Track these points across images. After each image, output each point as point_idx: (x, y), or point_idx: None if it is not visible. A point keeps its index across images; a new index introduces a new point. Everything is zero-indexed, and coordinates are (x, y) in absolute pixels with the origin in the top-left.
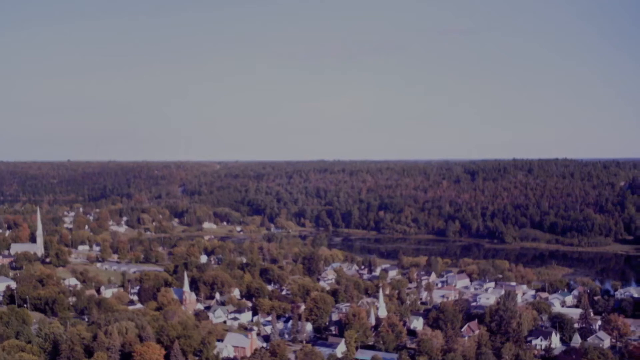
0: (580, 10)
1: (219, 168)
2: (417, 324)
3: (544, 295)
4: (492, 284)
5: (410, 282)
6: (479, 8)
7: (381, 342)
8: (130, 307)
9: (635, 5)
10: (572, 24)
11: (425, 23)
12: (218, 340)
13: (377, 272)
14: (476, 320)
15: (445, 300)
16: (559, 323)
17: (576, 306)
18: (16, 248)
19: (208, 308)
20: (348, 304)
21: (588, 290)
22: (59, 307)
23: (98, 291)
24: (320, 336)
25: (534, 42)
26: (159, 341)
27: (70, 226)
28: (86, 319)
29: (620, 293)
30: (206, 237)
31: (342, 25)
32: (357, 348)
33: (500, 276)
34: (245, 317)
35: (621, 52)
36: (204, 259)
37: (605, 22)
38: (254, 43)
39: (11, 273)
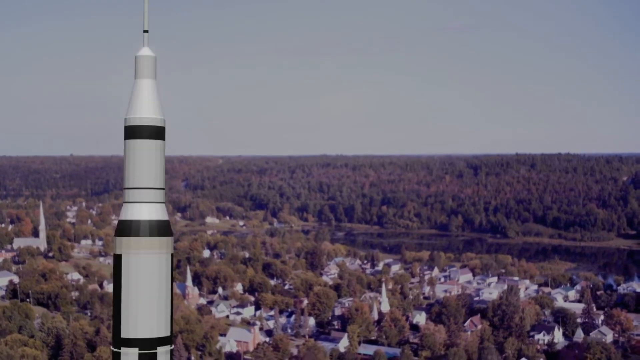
0: (581, 5)
1: (222, 163)
2: (420, 318)
3: (546, 290)
4: (495, 279)
5: (413, 276)
6: (479, 5)
7: (384, 336)
8: None
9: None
10: (572, 19)
11: (425, 20)
12: (221, 335)
13: (380, 266)
14: (479, 315)
15: (448, 294)
16: (562, 318)
17: (579, 301)
18: (19, 242)
19: (211, 303)
20: (351, 299)
21: (591, 285)
22: (62, 302)
23: (101, 286)
24: (322, 331)
25: (534, 38)
26: None
27: (73, 220)
28: (89, 314)
29: (623, 288)
30: (209, 232)
31: (342, 22)
32: (359, 343)
33: (503, 271)
34: (248, 311)
35: (624, 47)
36: (206, 253)
37: (607, 16)
38: (253, 39)
39: (14, 267)
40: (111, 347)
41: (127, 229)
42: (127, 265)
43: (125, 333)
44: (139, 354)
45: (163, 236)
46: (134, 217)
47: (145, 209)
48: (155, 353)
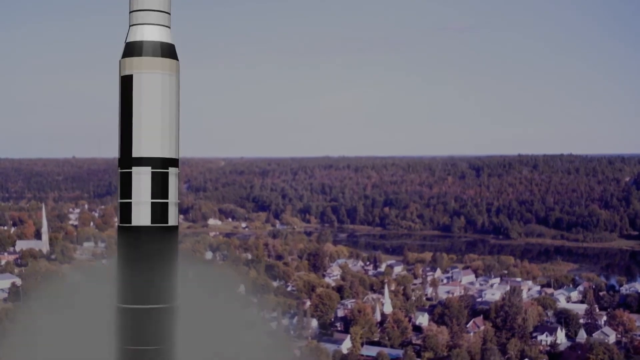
0: (581, 5)
1: (224, 164)
2: (423, 319)
3: (549, 290)
4: (498, 280)
5: (416, 278)
6: (479, 5)
7: (387, 338)
8: None
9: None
10: (572, 19)
11: (425, 20)
12: None
13: (383, 268)
14: (481, 316)
15: (450, 296)
16: (565, 319)
17: (581, 302)
18: (21, 245)
19: None
20: (353, 300)
21: (593, 286)
22: None
23: None
24: (325, 332)
25: (534, 38)
26: None
27: (76, 223)
28: None
29: (625, 288)
30: (211, 234)
31: (342, 22)
32: (362, 344)
33: (506, 272)
34: None
35: (625, 47)
36: (209, 255)
37: (607, 16)
38: (253, 39)
39: (16, 270)
40: (119, 169)
41: (137, 49)
42: (138, 84)
43: (137, 152)
44: (152, 172)
45: (172, 58)
46: (144, 38)
47: (156, 31)
48: (167, 172)
